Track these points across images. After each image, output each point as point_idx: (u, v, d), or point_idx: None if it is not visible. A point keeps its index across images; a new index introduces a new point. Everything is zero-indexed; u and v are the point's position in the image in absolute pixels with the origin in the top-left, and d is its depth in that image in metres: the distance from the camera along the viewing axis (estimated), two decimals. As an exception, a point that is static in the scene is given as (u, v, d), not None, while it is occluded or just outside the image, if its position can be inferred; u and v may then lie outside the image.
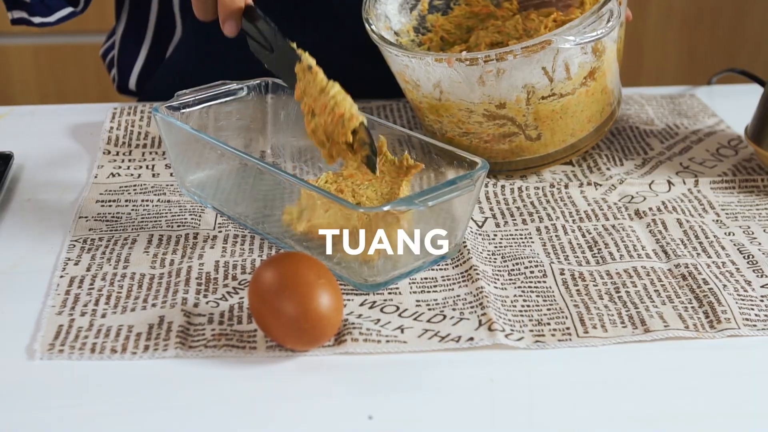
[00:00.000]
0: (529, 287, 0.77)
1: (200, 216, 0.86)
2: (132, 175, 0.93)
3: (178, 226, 0.84)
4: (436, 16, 1.02)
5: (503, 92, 0.87)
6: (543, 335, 0.72)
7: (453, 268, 0.79)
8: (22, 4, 1.04)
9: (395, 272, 0.76)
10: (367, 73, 1.05)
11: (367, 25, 0.92)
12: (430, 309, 0.74)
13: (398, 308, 0.74)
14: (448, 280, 0.78)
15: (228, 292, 0.76)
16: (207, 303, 0.74)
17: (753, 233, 0.85)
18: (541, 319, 0.73)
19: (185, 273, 0.78)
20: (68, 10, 1.05)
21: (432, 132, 0.94)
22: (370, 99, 1.11)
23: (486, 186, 0.92)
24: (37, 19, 1.05)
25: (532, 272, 0.79)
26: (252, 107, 0.93)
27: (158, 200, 0.89)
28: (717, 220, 0.87)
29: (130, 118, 1.04)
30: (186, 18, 1.12)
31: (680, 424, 0.64)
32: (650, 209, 0.89)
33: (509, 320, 0.73)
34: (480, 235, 0.84)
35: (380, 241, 0.74)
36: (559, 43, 0.84)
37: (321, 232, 0.77)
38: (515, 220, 0.87)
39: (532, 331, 0.72)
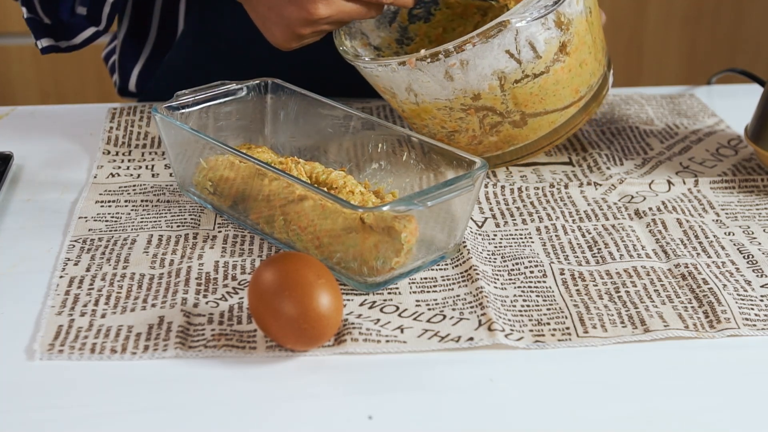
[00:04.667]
0: (529, 287, 0.77)
1: (200, 216, 0.86)
2: (131, 175, 0.93)
3: (178, 226, 0.84)
4: (419, 24, 1.02)
5: (474, 83, 0.86)
6: (543, 335, 0.72)
7: (453, 268, 0.79)
8: (46, 29, 1.04)
9: (395, 272, 0.76)
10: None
11: (338, 48, 0.92)
12: (429, 309, 0.74)
13: (398, 308, 0.74)
14: (448, 280, 0.78)
15: (228, 292, 0.76)
16: (207, 303, 0.74)
17: (753, 233, 0.85)
18: (541, 319, 0.73)
19: (185, 273, 0.78)
20: (91, 30, 1.05)
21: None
22: (370, 99, 1.11)
23: (486, 186, 0.92)
24: (63, 44, 1.05)
25: (531, 272, 0.79)
26: (251, 107, 0.93)
27: (158, 200, 0.89)
28: (717, 220, 0.87)
29: (129, 118, 1.04)
30: (189, 17, 1.12)
31: (680, 424, 0.64)
32: (650, 209, 0.89)
33: (509, 320, 0.73)
34: (480, 235, 0.84)
35: (378, 242, 0.74)
36: (516, 22, 0.83)
37: (325, 237, 0.77)
38: (515, 220, 0.87)
39: (531, 331, 0.72)
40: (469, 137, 0.90)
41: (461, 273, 0.78)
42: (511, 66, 0.85)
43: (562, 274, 0.79)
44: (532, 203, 0.90)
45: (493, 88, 0.86)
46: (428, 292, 0.76)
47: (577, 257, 0.81)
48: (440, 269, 0.79)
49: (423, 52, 0.85)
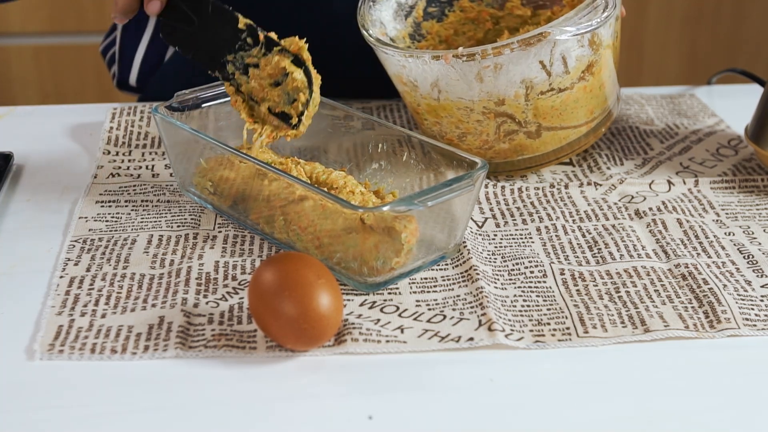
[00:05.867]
0: (529, 287, 0.77)
1: (200, 216, 0.86)
2: (132, 175, 0.93)
3: (178, 226, 0.84)
4: (431, 23, 1.02)
5: (502, 88, 0.87)
6: (543, 335, 0.72)
7: (453, 268, 0.79)
8: None
9: (395, 272, 0.76)
10: (367, 72, 1.05)
11: (362, 30, 0.92)
12: (430, 309, 0.74)
13: (398, 308, 0.74)
14: (448, 280, 0.78)
15: (228, 293, 0.76)
16: (207, 303, 0.74)
17: (753, 233, 0.85)
18: (541, 319, 0.73)
19: (185, 273, 0.78)
20: None
21: (432, 135, 0.93)
22: (370, 99, 1.11)
23: (486, 186, 0.92)
24: None
25: (532, 272, 0.79)
26: (252, 107, 0.93)
27: (158, 200, 0.89)
28: (717, 220, 0.87)
29: (129, 118, 1.04)
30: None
31: (680, 424, 0.64)
32: (650, 209, 0.89)
33: (509, 320, 0.73)
34: (480, 235, 0.84)
35: (379, 242, 0.74)
36: (556, 35, 0.84)
37: (325, 237, 0.77)
38: (515, 220, 0.87)
39: (532, 331, 0.72)
40: (481, 141, 0.91)
41: (461, 273, 0.78)
42: (541, 77, 0.86)
43: (562, 274, 0.79)
44: (532, 203, 0.90)
45: (518, 96, 0.87)
46: (428, 292, 0.76)
47: (577, 257, 0.81)
48: (440, 269, 0.79)
49: (461, 49, 0.85)
